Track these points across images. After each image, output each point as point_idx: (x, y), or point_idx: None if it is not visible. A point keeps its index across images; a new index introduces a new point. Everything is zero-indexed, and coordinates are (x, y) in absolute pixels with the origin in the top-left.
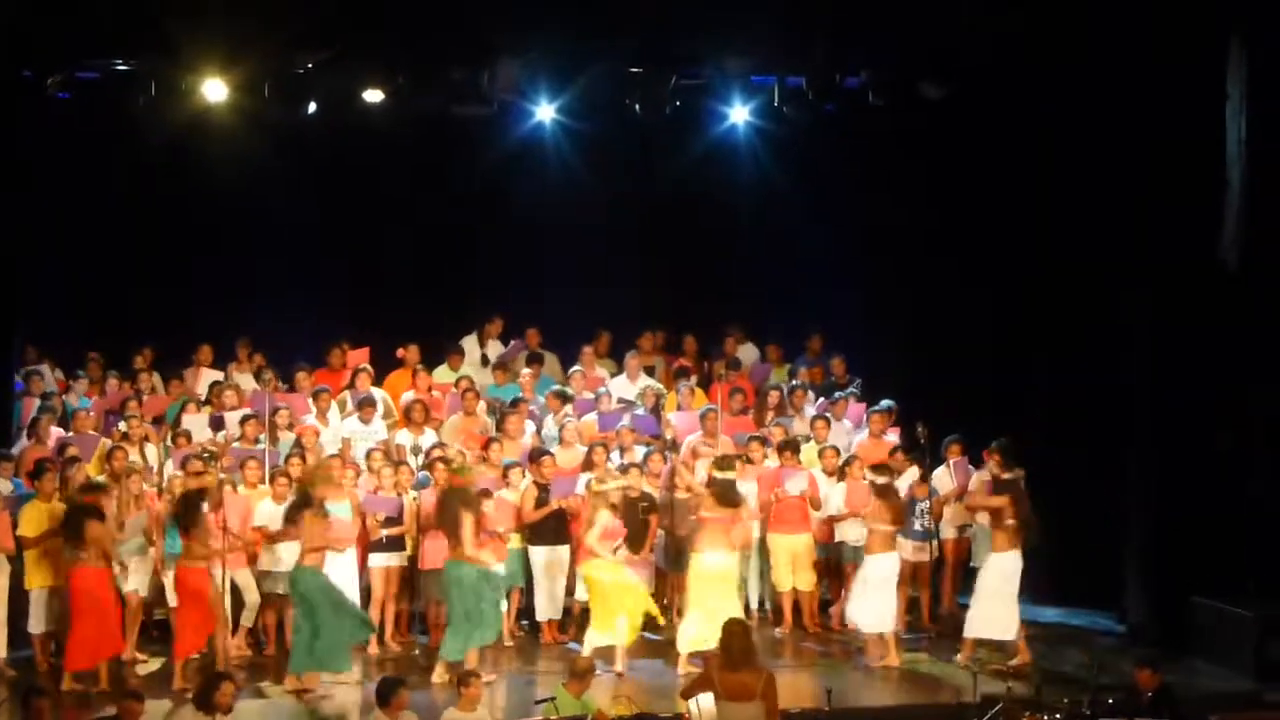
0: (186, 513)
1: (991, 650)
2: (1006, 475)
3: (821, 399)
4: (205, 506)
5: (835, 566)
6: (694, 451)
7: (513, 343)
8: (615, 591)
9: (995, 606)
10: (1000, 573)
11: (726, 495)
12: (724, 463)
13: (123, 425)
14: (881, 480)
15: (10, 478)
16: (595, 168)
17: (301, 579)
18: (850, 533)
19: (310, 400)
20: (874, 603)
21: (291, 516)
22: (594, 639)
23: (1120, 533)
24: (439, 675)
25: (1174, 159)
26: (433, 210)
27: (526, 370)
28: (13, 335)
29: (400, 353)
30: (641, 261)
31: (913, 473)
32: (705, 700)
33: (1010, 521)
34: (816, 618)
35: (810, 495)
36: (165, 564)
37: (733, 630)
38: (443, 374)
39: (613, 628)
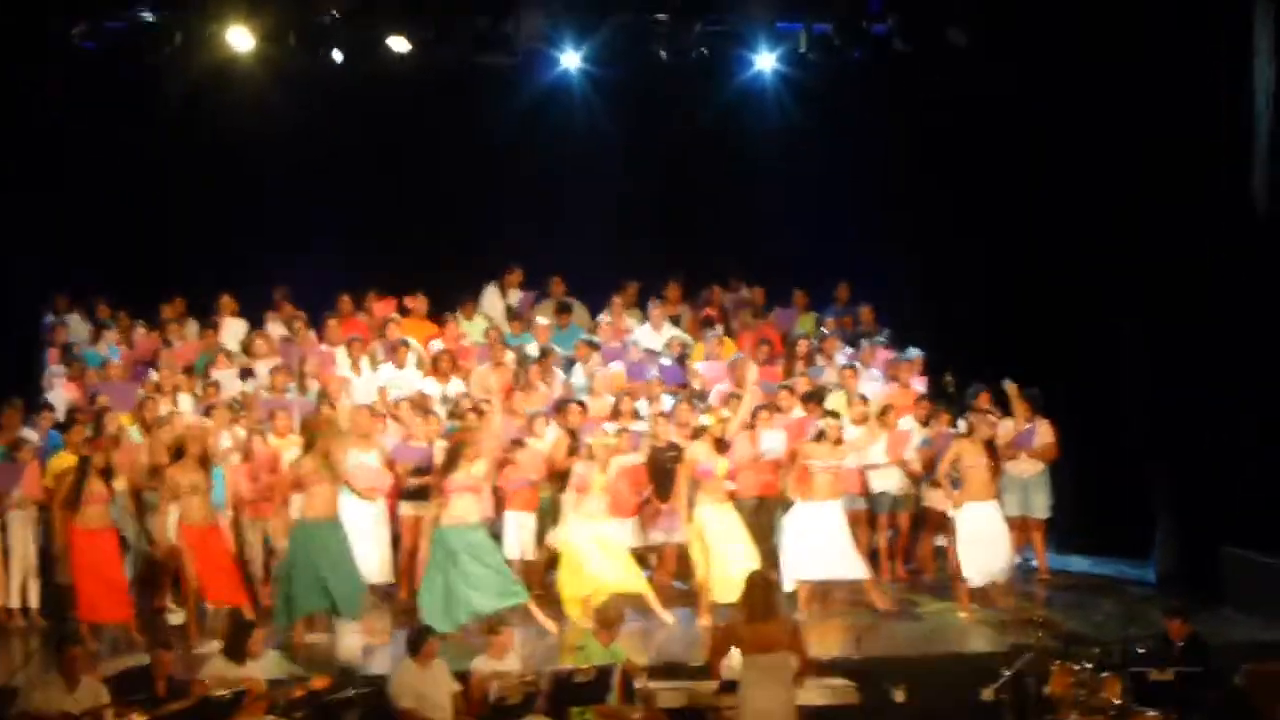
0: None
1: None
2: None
3: (849, 348)
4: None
5: (872, 517)
6: (724, 400)
7: (525, 293)
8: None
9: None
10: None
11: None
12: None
13: (154, 375)
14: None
15: (48, 429)
16: (620, 116)
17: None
18: (889, 483)
19: (345, 349)
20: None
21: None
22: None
23: (1150, 482)
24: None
25: (1202, 110)
26: (457, 159)
27: (544, 320)
28: (42, 286)
29: (409, 302)
30: (667, 210)
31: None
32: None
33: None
34: None
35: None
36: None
37: (754, 582)
38: (461, 324)
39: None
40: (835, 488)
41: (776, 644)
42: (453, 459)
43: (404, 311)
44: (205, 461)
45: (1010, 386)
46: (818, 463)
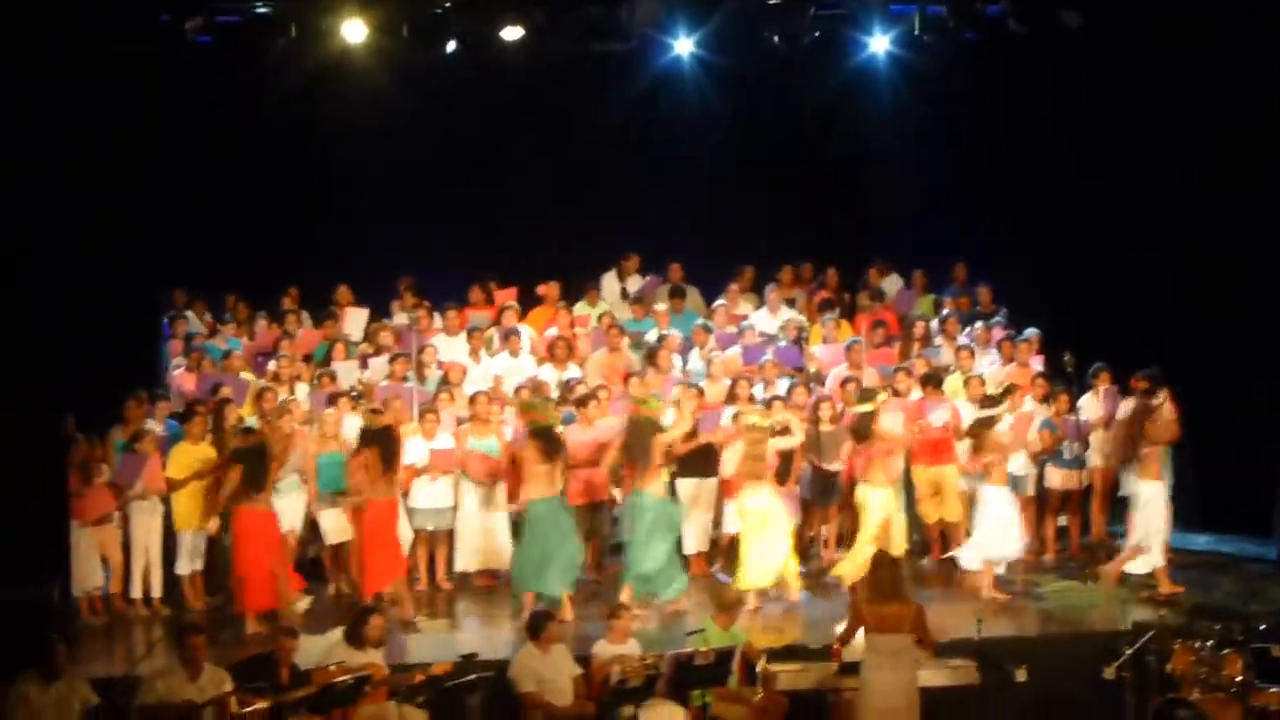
0: (385, 449)
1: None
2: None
3: (968, 328)
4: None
5: None
6: (842, 384)
7: (649, 278)
8: (767, 522)
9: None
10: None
11: (859, 430)
12: (865, 395)
13: (272, 365)
14: (986, 412)
15: (165, 419)
16: (734, 101)
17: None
18: (1012, 464)
19: (465, 338)
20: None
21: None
22: (751, 577)
23: (1271, 458)
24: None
25: None
26: (571, 147)
27: (662, 305)
28: (158, 280)
29: (541, 289)
30: (782, 194)
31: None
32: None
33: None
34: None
35: (954, 426)
36: (319, 501)
37: (881, 563)
38: (580, 310)
39: (766, 563)
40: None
41: (900, 625)
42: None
43: (535, 299)
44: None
45: (1068, 358)
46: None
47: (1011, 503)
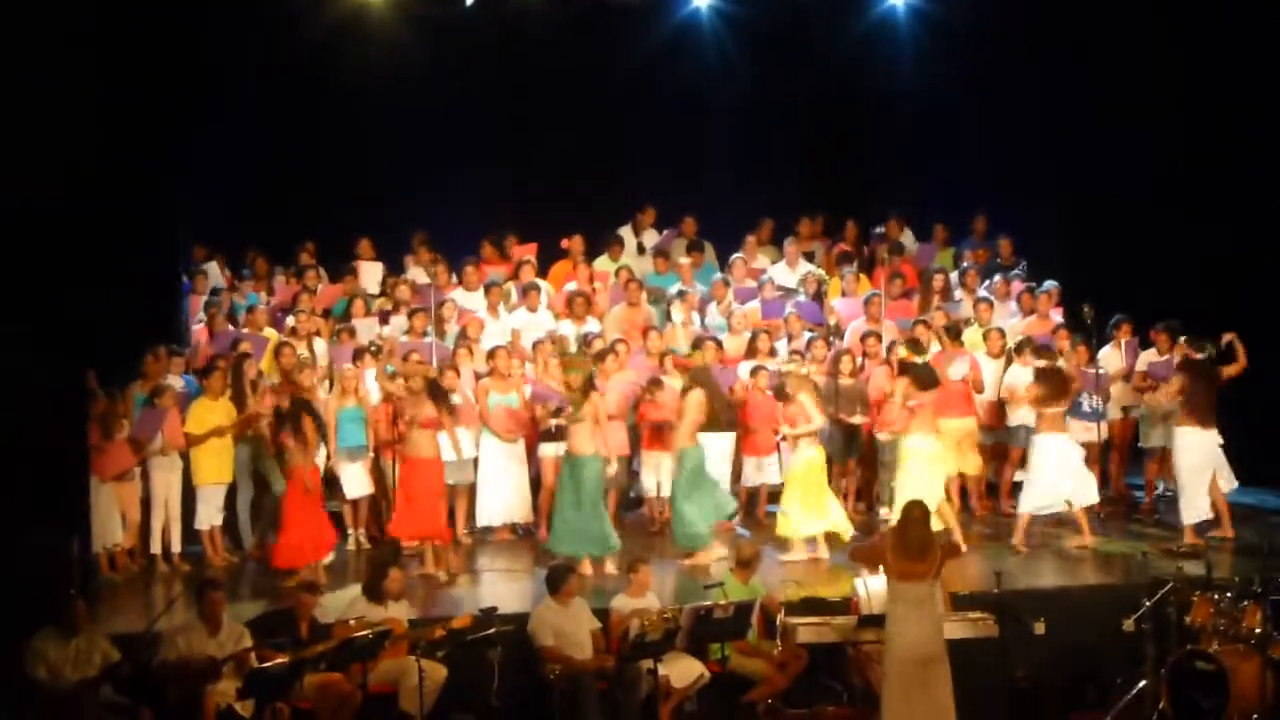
0: (437, 400)
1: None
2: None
3: (987, 280)
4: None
5: (1004, 450)
6: (862, 338)
7: (666, 231)
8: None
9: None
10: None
11: (926, 378)
12: (916, 346)
13: (291, 320)
14: (1042, 363)
15: (181, 374)
16: (752, 53)
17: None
18: (1024, 414)
19: (483, 293)
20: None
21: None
22: (805, 525)
23: None
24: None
25: None
26: (590, 100)
27: (685, 259)
28: (179, 234)
29: (565, 243)
30: (800, 146)
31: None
32: (875, 583)
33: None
34: (985, 501)
35: (973, 379)
36: (338, 457)
37: (912, 516)
38: (602, 264)
39: (822, 511)
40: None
41: (923, 574)
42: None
43: (559, 253)
44: (437, 394)
45: (1088, 310)
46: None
47: (1067, 451)
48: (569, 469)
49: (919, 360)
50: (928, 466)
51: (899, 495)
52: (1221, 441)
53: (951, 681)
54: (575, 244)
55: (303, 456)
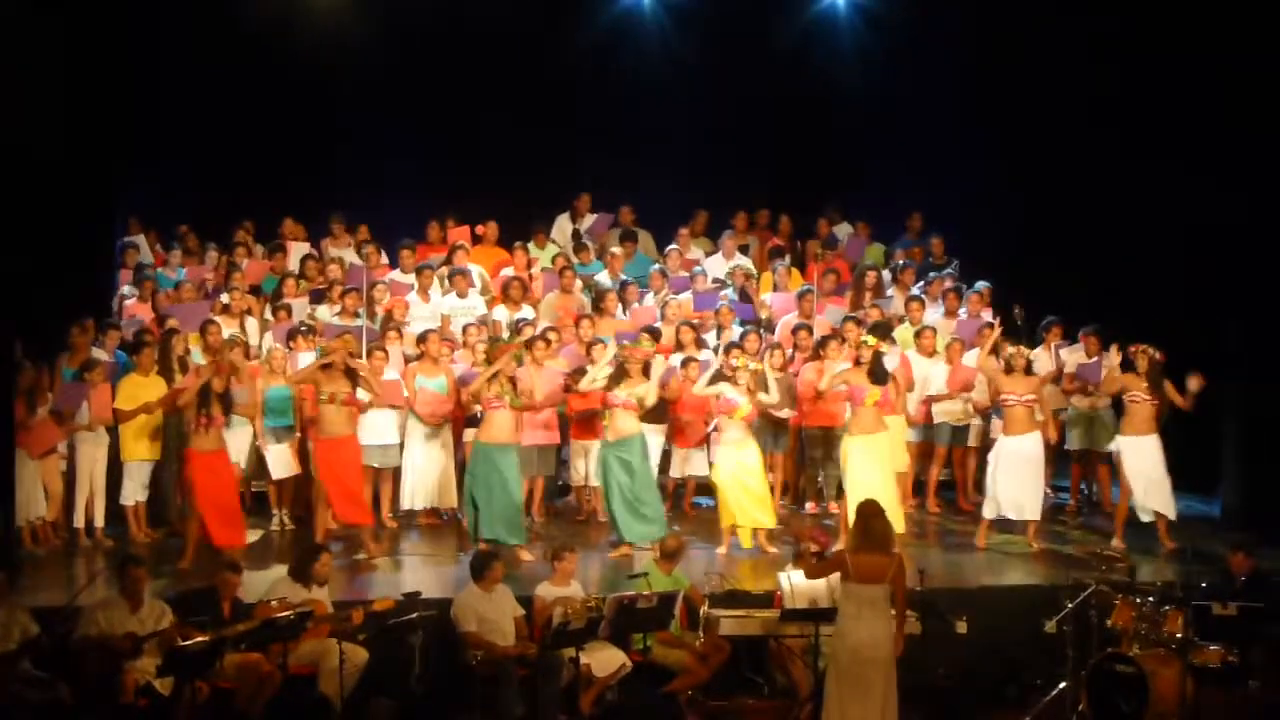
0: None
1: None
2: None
3: (921, 279)
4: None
5: (930, 447)
6: (793, 331)
7: (596, 216)
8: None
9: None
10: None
11: (877, 373)
12: (876, 330)
13: (224, 297)
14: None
15: (115, 350)
16: (694, 42)
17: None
18: (951, 413)
19: (414, 276)
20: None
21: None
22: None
23: (1216, 416)
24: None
25: None
26: (530, 85)
27: (618, 249)
28: (114, 207)
29: (480, 229)
30: (738, 138)
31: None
32: (797, 577)
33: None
34: (910, 498)
35: (904, 376)
36: (265, 437)
37: (870, 512)
38: (532, 252)
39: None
40: (1031, 420)
41: (881, 575)
42: (619, 376)
43: (475, 239)
44: (350, 373)
45: (1018, 311)
46: (1013, 397)
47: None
48: (497, 456)
49: (884, 350)
50: (877, 463)
51: (851, 494)
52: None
53: (896, 684)
54: (489, 230)
55: (203, 439)
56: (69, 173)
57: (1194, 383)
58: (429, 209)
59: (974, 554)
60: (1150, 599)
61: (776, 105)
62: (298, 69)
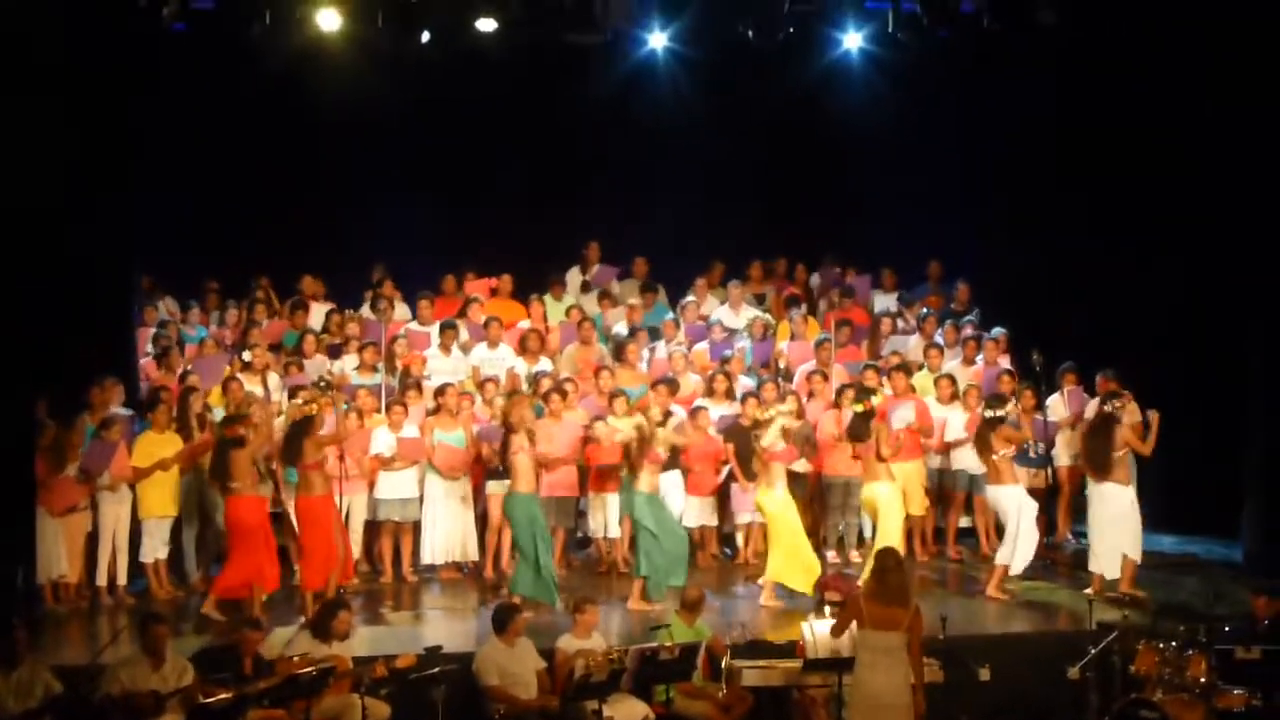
0: (288, 443)
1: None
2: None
3: (940, 326)
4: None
5: (949, 494)
6: (808, 379)
7: (600, 267)
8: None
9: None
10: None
11: (854, 431)
12: (862, 394)
13: (246, 355)
14: (992, 413)
15: (120, 403)
16: (707, 96)
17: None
18: (968, 459)
19: (436, 329)
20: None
21: None
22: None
23: (1238, 460)
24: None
25: None
26: (544, 140)
27: (636, 300)
28: (132, 267)
29: (494, 283)
30: (754, 190)
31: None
32: (820, 627)
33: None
34: (931, 545)
35: (921, 425)
36: (285, 491)
37: (888, 563)
38: (547, 304)
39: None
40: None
41: (898, 624)
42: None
43: (491, 293)
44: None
45: (1037, 357)
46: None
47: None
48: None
49: (859, 409)
50: (895, 511)
51: (878, 542)
52: None
53: None
54: (504, 283)
55: (230, 489)
56: (87, 231)
57: (1154, 418)
58: (441, 264)
59: (998, 601)
60: (1174, 643)
61: (789, 155)
62: (314, 123)
